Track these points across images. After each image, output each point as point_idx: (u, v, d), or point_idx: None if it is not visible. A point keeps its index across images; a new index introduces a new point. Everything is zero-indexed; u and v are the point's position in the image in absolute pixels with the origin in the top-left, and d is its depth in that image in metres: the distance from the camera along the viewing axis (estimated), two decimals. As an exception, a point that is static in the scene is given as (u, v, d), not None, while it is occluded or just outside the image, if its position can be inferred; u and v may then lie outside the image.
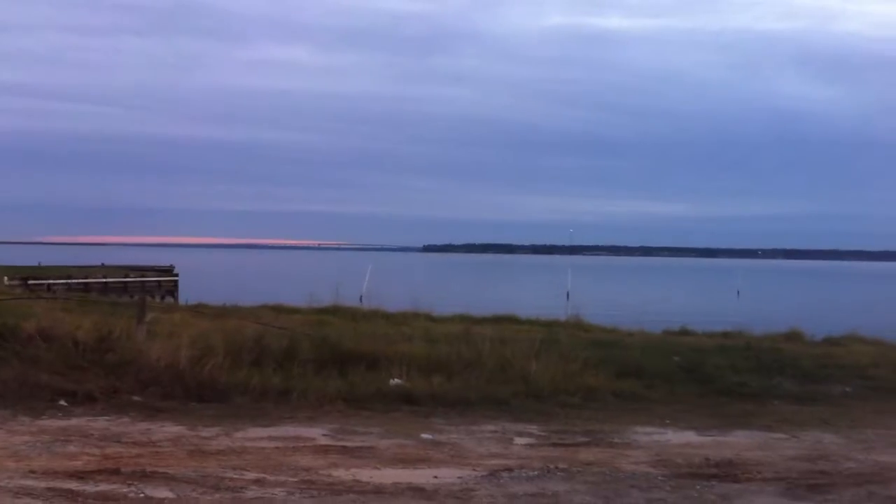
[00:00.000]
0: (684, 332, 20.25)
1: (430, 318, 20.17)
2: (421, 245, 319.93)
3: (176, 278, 69.97)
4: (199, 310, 20.00)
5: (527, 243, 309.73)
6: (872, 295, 75.67)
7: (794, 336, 19.01)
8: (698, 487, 7.24)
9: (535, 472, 7.53)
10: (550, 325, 20.33)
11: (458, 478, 7.28)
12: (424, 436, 9.16)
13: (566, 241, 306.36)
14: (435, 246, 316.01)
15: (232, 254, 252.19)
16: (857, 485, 7.58)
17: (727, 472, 7.86)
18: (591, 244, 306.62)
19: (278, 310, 21.07)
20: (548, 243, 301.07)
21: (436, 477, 7.27)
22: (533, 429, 9.84)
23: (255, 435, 8.92)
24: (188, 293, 48.34)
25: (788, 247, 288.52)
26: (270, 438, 8.77)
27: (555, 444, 9.05)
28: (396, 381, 11.65)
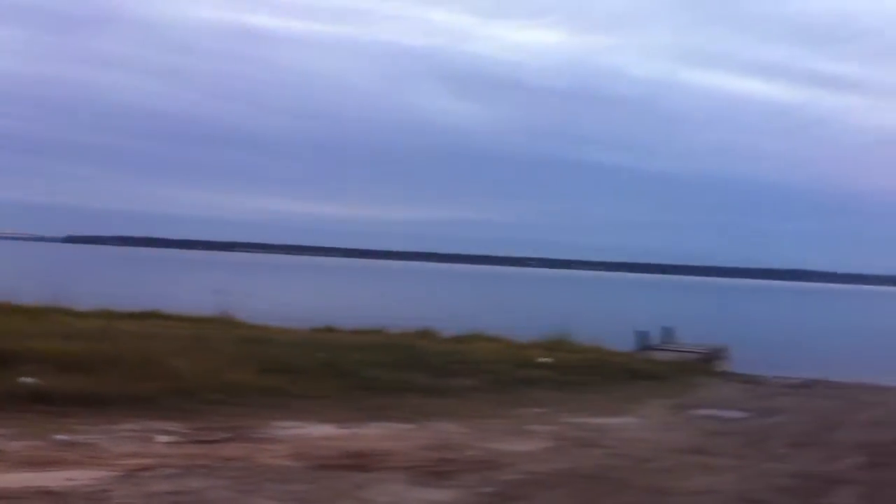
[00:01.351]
0: (329, 330, 20.94)
1: (69, 313, 19.09)
2: (64, 235, 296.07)
3: None
4: None
5: (180, 237, 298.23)
6: (496, 296, 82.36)
7: (427, 334, 20.41)
8: (334, 478, 7.65)
9: (176, 471, 7.53)
10: (199, 321, 20.11)
11: (94, 479, 7.09)
12: (58, 437, 8.79)
13: (220, 237, 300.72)
14: (80, 237, 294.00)
15: None
16: (477, 471, 8.35)
17: (361, 462, 8.36)
18: (245, 241, 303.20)
19: None
20: (202, 238, 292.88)
21: (69, 479, 7.05)
22: (176, 427, 9.78)
23: None
24: None
25: (431, 250, 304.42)
26: None
27: (197, 442, 9.07)
28: (28, 379, 10.98)
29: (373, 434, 10.12)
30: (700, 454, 9.93)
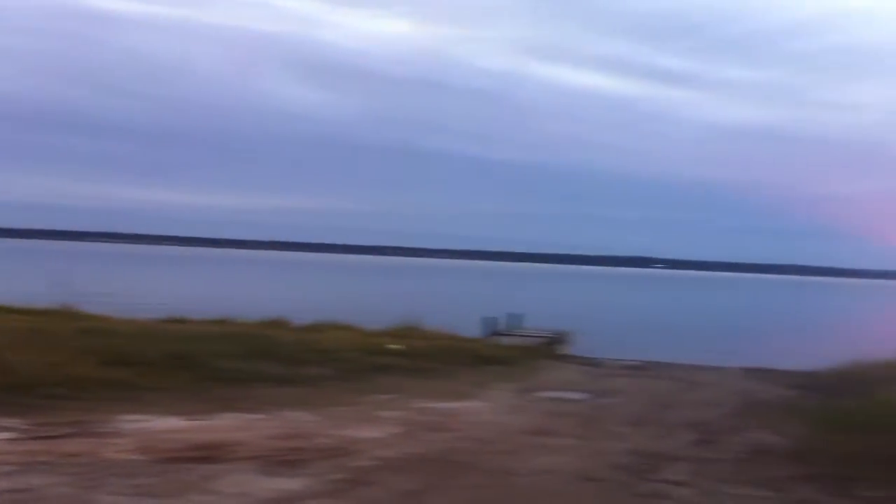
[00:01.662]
0: (180, 321, 20.50)
1: None
2: None
3: None
4: None
5: (21, 227, 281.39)
6: (350, 285, 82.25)
7: (280, 323, 20.29)
8: (181, 470, 7.59)
9: (15, 468, 7.32)
10: (38, 313, 19.31)
11: (-72, 478, 6.83)
12: None
13: (63, 226, 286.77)
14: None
15: None
16: (328, 458, 8.47)
17: (210, 454, 8.32)
18: (89, 230, 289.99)
19: None
20: (43, 227, 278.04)
21: None
22: (15, 423, 9.43)
23: None
24: None
25: (283, 238, 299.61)
26: None
27: (38, 438, 8.79)
28: None
29: (222, 425, 10.05)
30: (542, 435, 10.36)
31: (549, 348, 22.21)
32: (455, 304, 47.02)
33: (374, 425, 10.51)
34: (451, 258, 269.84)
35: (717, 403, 13.75)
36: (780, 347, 31.30)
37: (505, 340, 22.09)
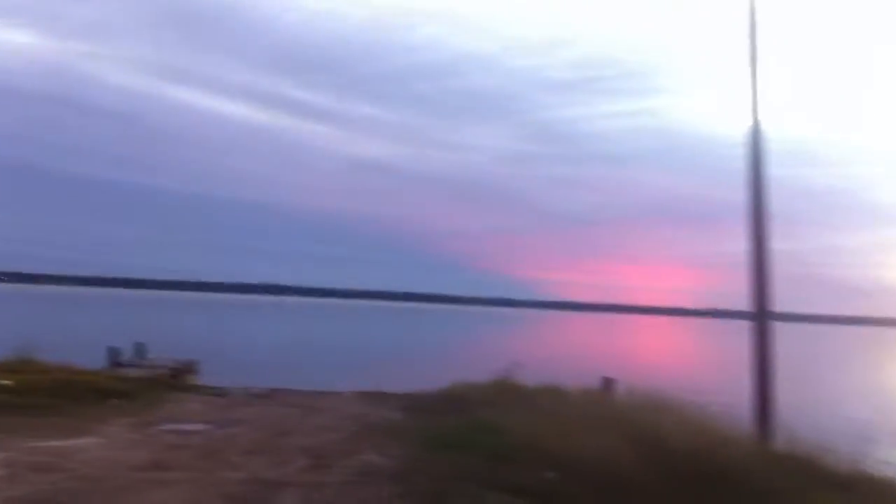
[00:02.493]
0: None
1: None
2: None
3: None
4: None
5: None
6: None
7: None
8: None
9: None
10: None
11: None
12: None
13: None
14: None
15: None
16: None
17: None
18: None
19: None
20: None
21: None
22: None
23: None
24: None
25: None
26: None
27: None
28: None
29: None
30: (157, 469, 10.40)
31: (175, 379, 21.92)
32: (77, 333, 44.42)
33: (-27, 469, 9.93)
34: (71, 285, 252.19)
35: (332, 428, 14.42)
36: (394, 371, 33.24)
37: (129, 371, 21.45)
